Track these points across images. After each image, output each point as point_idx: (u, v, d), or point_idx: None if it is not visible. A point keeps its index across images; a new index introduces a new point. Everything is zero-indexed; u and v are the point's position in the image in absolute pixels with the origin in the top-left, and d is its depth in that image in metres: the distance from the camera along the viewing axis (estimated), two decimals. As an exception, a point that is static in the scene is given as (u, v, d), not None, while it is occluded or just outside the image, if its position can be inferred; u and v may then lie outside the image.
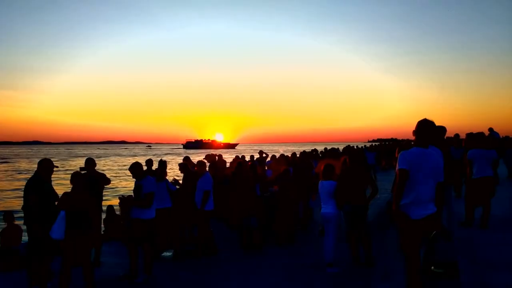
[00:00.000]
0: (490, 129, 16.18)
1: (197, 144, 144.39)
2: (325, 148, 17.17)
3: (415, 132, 3.95)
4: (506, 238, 6.70)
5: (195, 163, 7.47)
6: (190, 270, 5.96)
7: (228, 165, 10.53)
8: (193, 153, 15.02)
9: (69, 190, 5.05)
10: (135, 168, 5.75)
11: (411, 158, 3.77)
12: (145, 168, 6.72)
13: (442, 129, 5.99)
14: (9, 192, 23.51)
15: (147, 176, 5.76)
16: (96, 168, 6.50)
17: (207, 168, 7.26)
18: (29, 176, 5.37)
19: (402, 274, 4.84)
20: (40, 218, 4.99)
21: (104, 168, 37.43)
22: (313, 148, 18.73)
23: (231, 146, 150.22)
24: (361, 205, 5.60)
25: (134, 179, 5.82)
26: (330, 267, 5.50)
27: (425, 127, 3.86)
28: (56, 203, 5.06)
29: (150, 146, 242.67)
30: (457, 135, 13.69)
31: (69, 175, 5.13)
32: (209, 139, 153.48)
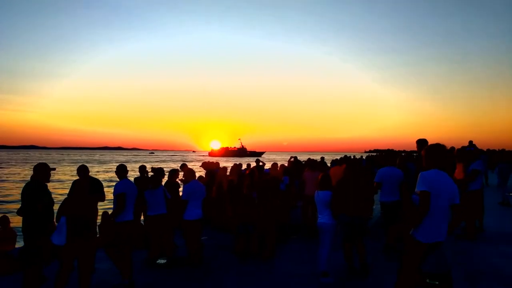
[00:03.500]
0: (470, 142, 16.36)
1: (222, 152, 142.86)
2: (322, 157, 17.24)
3: (429, 156, 3.89)
4: (499, 250, 6.75)
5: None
6: (184, 278, 5.94)
7: (227, 172, 10.54)
8: (218, 161, 14.92)
9: (69, 196, 5.07)
10: (117, 170, 6.01)
11: (433, 180, 3.71)
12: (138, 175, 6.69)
13: (424, 142, 6.23)
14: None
15: (123, 179, 5.90)
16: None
17: (196, 177, 7.23)
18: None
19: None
20: (44, 225, 4.99)
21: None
22: (308, 157, 18.79)
23: (257, 154, 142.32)
24: (358, 215, 5.62)
25: None
26: (325, 276, 5.50)
27: (442, 151, 3.86)
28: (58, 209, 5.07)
29: (153, 153, 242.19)
30: (452, 148, 14.02)
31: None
32: (235, 147, 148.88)
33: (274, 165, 10.47)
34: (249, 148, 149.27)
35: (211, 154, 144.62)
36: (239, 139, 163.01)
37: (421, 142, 6.44)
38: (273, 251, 6.89)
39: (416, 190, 3.74)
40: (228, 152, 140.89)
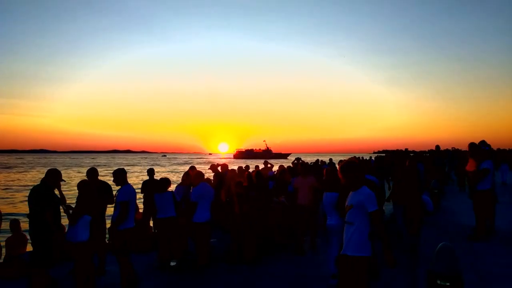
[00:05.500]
0: (483, 142, 16.56)
1: (248, 154, 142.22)
2: (330, 159, 17.23)
3: (350, 173, 3.78)
4: (510, 251, 6.66)
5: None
6: (192, 280, 5.96)
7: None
8: (243, 163, 14.58)
9: (78, 198, 5.15)
10: (116, 174, 5.62)
11: None
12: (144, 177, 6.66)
13: (405, 152, 6.49)
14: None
15: (127, 184, 5.62)
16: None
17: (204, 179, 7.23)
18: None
19: (405, 287, 4.83)
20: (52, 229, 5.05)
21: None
22: (316, 159, 18.75)
23: (283, 156, 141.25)
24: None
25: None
26: (334, 278, 5.47)
27: (360, 167, 3.86)
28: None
29: (165, 155, 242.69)
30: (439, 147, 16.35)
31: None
32: (260, 149, 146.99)
33: (281, 167, 10.47)
34: (274, 150, 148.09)
35: (236, 156, 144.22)
36: (264, 141, 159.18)
37: (404, 153, 6.82)
38: (250, 255, 6.72)
39: (369, 210, 3.66)
40: (253, 154, 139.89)
